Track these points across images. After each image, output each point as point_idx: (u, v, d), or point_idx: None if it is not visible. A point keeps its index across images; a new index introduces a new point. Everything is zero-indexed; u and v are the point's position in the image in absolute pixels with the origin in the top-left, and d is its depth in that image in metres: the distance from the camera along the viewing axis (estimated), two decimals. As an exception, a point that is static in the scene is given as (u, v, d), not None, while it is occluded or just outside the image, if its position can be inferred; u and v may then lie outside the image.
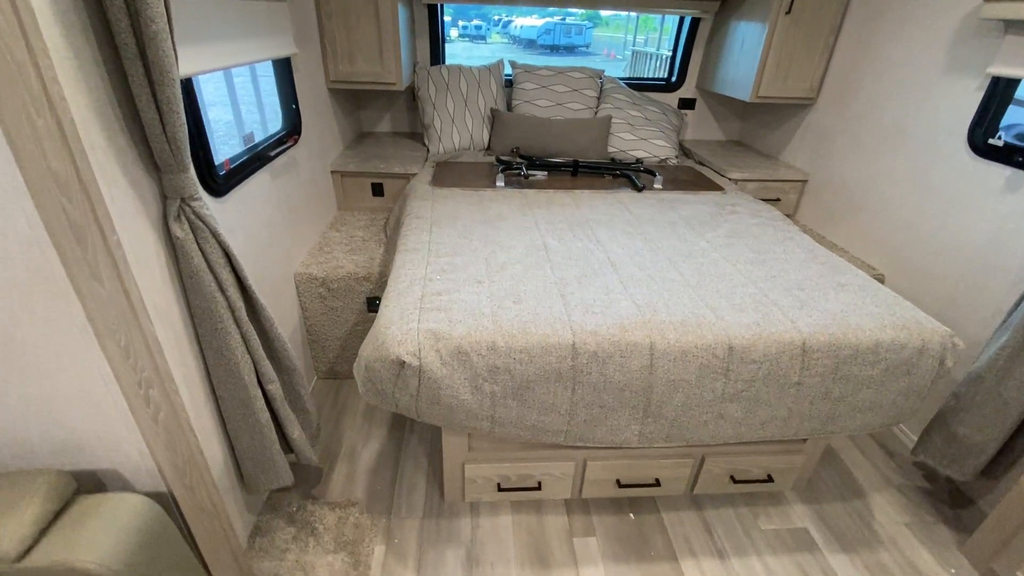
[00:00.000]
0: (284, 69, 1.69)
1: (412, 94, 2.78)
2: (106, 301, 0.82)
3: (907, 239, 1.89)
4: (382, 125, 2.83)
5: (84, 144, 0.80)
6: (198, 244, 1.05)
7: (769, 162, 2.58)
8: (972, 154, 1.66)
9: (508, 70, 2.78)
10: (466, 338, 1.15)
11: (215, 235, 1.07)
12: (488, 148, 2.62)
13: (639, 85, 2.89)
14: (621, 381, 1.19)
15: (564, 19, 18.83)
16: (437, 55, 2.71)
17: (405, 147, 2.55)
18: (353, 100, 2.64)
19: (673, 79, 2.91)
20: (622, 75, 2.77)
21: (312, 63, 1.99)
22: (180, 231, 1.03)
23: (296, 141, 1.72)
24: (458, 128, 2.56)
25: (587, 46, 18.98)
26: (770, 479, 1.56)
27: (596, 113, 2.70)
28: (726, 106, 2.97)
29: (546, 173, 2.33)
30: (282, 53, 1.59)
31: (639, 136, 2.61)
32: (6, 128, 0.67)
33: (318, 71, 2.06)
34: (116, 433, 0.94)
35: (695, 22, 2.72)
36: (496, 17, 21.54)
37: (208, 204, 1.13)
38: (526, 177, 2.12)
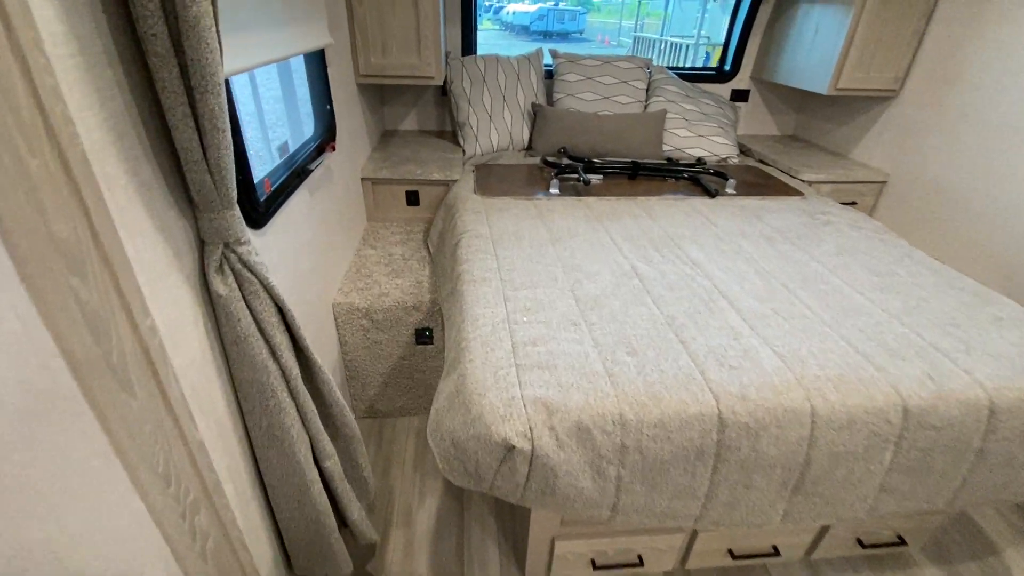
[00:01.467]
0: (318, 63, 1.42)
1: (442, 88, 2.50)
2: (139, 415, 0.57)
3: (1028, 252, 1.66)
4: (407, 122, 2.56)
5: (100, 185, 0.54)
6: (246, 301, 0.80)
7: (839, 160, 2.34)
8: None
9: (547, 59, 2.50)
10: (586, 410, 0.90)
11: (267, 288, 0.81)
12: (529, 147, 2.36)
13: (687, 75, 2.63)
14: (774, 456, 0.96)
15: (557, 4, 18.39)
16: (469, 44, 2.43)
17: (438, 148, 2.28)
18: (378, 95, 2.36)
19: (726, 68, 2.65)
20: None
21: (341, 55, 1.71)
22: (223, 287, 0.77)
23: (334, 148, 1.45)
24: (496, 126, 2.29)
25: (581, 32, 18.58)
26: (902, 541, 1.34)
27: (646, 107, 2.44)
28: (782, 98, 2.72)
29: (602, 177, 2.08)
30: (318, 44, 1.31)
31: (696, 132, 2.36)
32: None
33: (347, 64, 1.78)
34: None
35: (754, 5, 2.45)
36: (488, 3, 21.00)
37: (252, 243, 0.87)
38: (586, 183, 1.87)
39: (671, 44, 9.54)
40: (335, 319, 1.55)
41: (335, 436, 1.09)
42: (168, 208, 0.70)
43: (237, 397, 0.88)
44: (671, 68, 2.59)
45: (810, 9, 2.20)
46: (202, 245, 0.77)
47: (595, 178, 2.05)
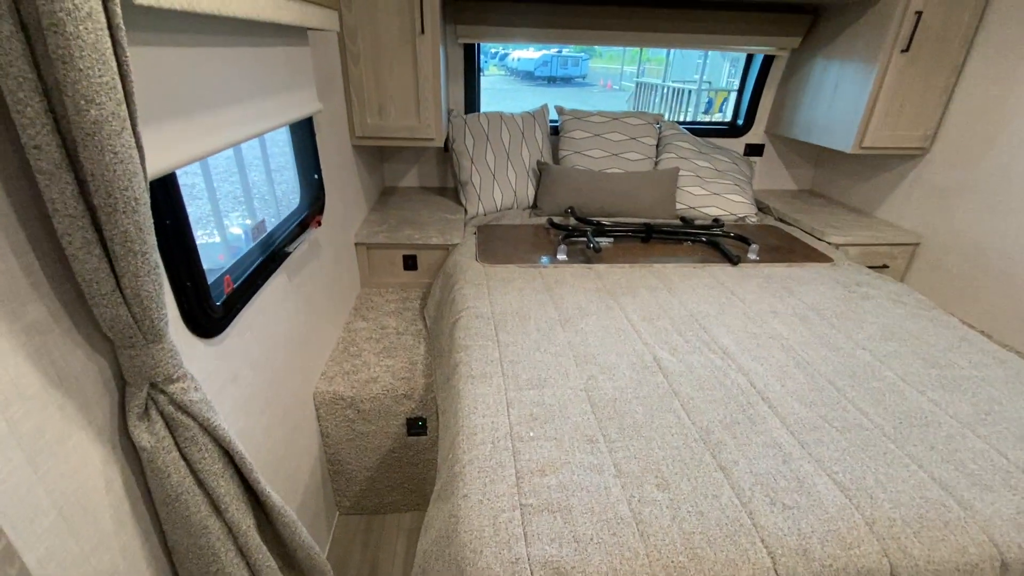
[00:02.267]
0: (305, 131, 1.30)
1: (444, 145, 2.41)
2: None
3: (1096, 331, 1.48)
4: (408, 179, 2.45)
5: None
6: (179, 450, 0.63)
7: (864, 220, 2.19)
8: None
9: (553, 115, 2.42)
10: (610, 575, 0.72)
11: (209, 430, 0.65)
12: (535, 206, 2.23)
13: (699, 131, 2.53)
14: (848, 631, 0.76)
15: (560, 51, 18.97)
16: (473, 100, 2.35)
17: (439, 207, 2.16)
18: (377, 154, 2.26)
19: (739, 122, 2.56)
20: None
21: (335, 116, 1.60)
22: (148, 437, 0.60)
23: (319, 223, 1.31)
24: (500, 184, 2.18)
25: (583, 77, 19.08)
26: None
27: (657, 164, 2.33)
28: (798, 152, 2.60)
29: (612, 240, 1.94)
30: (304, 113, 1.20)
31: (710, 191, 2.23)
32: None
33: (341, 126, 1.68)
34: None
35: (767, 59, 2.37)
36: (493, 50, 21.72)
37: (194, 364, 0.71)
38: (596, 249, 1.72)
39: (673, 89, 9.69)
40: (316, 410, 1.37)
41: (300, 580, 0.90)
42: (74, 349, 0.54)
43: (172, 562, 0.70)
44: (683, 123, 2.50)
45: (827, 64, 2.11)
46: (122, 387, 0.61)
47: (605, 242, 1.91)
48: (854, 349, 1.28)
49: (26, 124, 0.42)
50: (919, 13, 1.74)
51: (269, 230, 1.13)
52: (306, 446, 1.31)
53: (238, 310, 0.90)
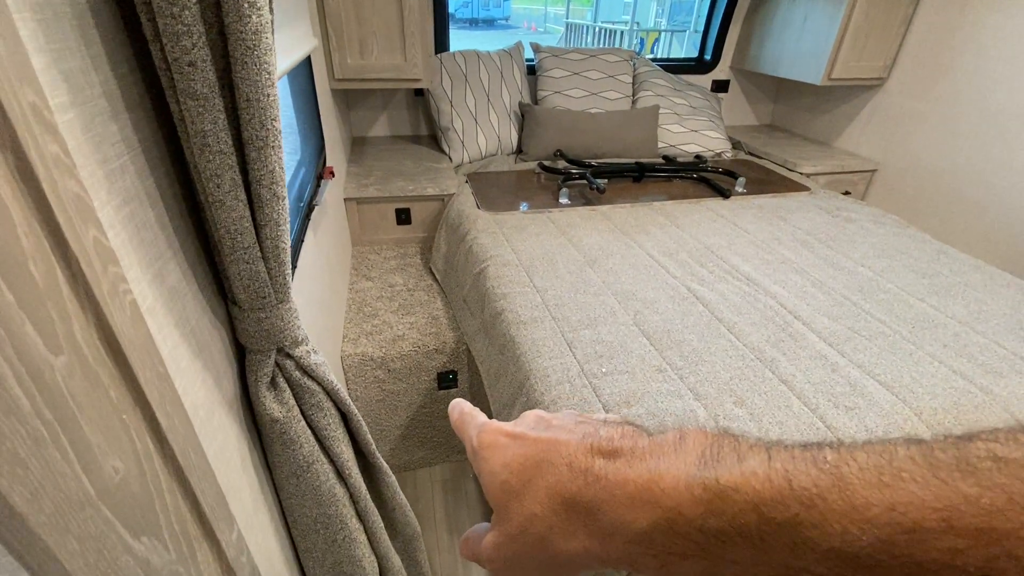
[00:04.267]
0: (304, 71, 1.16)
1: (414, 89, 2.25)
2: None
3: (1033, 237, 1.70)
4: (378, 128, 2.29)
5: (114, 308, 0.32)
6: (306, 420, 0.58)
7: (826, 150, 2.33)
8: None
9: (528, 53, 2.32)
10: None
11: (331, 393, 0.60)
12: (520, 151, 2.17)
13: (669, 67, 2.53)
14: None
15: (481, -9, 18.03)
16: (442, 40, 2.19)
17: (421, 157, 2.04)
18: (344, 100, 2.08)
19: (707, 58, 2.58)
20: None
21: (313, 57, 1.44)
22: (279, 408, 0.55)
23: (332, 173, 1.20)
24: (483, 129, 2.09)
25: (507, 19, 18.37)
26: None
27: (635, 102, 2.32)
28: (760, 87, 2.69)
29: (606, 181, 1.94)
30: (306, 49, 1.06)
31: (689, 128, 2.27)
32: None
33: (320, 68, 1.52)
34: None
35: (734, -7, 2.38)
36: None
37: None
38: (601, 191, 1.72)
39: (606, 31, 9.57)
40: (344, 373, 1.31)
41: (395, 537, 0.88)
42: (201, 315, 0.47)
43: (291, 538, 0.66)
44: (655, 60, 2.48)
45: (796, -3, 2.15)
46: (241, 357, 0.54)
47: (601, 182, 1.90)
48: (855, 267, 1.39)
49: (181, 33, 0.34)
50: (888, -58, 1.80)
51: (299, 180, 1.02)
52: (339, 412, 1.26)
53: (294, 268, 0.82)
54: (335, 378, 0.61)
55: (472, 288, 1.37)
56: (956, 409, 0.92)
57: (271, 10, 0.40)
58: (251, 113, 0.39)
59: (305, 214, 0.95)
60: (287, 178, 0.46)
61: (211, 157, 0.39)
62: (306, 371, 0.57)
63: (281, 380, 0.55)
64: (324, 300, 1.13)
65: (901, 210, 2.11)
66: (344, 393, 0.62)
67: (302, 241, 0.90)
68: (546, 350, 1.02)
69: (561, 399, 0.90)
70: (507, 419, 1.04)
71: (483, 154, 2.10)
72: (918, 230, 1.62)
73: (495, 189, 1.81)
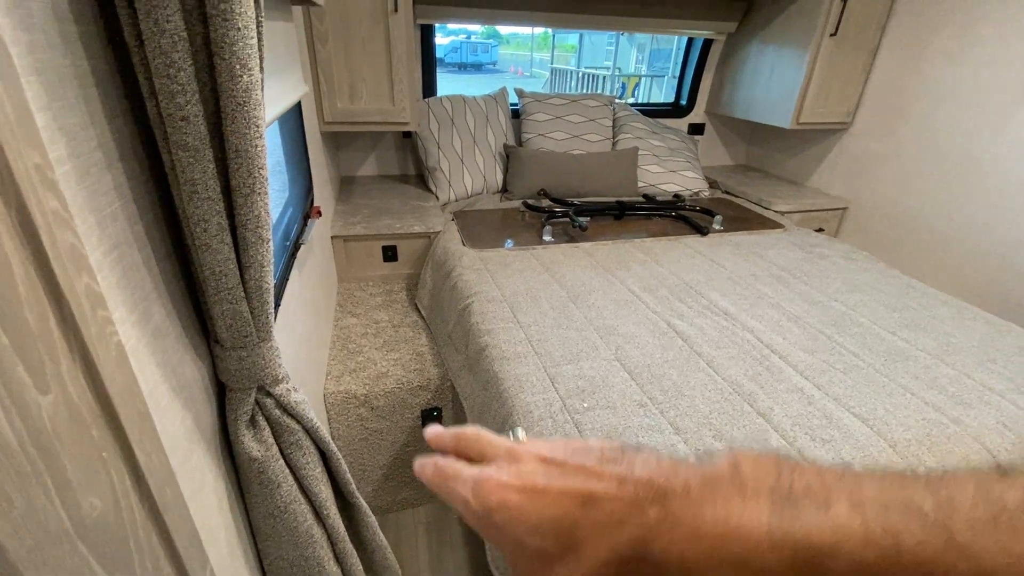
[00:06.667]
0: (294, 115, 1.21)
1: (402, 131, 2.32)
2: None
3: (999, 268, 1.77)
4: (366, 168, 2.34)
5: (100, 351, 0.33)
6: (285, 459, 0.58)
7: (799, 189, 2.43)
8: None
9: (512, 98, 2.42)
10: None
11: (311, 432, 0.61)
12: (505, 190, 2.23)
13: (647, 111, 2.65)
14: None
15: (469, 38, 18.80)
16: (430, 85, 2.29)
17: (408, 196, 2.09)
18: (333, 140, 2.14)
19: (683, 103, 2.71)
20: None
21: (304, 101, 1.49)
22: (257, 447, 0.55)
23: (320, 213, 1.23)
24: (468, 169, 2.15)
25: (493, 63, 19.07)
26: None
27: (615, 144, 2.41)
28: (734, 129, 2.82)
29: (589, 219, 1.99)
30: (298, 94, 1.11)
31: (667, 168, 2.36)
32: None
33: (310, 111, 1.57)
34: None
35: (707, 44, 2.53)
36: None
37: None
38: (583, 228, 1.77)
39: (588, 75, 9.97)
40: (327, 412, 1.30)
41: (374, 582, 0.86)
42: (183, 354, 0.48)
43: (267, 580, 0.65)
44: (633, 105, 2.60)
45: (763, 48, 2.29)
46: (220, 393, 0.55)
47: (584, 220, 1.96)
48: (829, 302, 1.43)
49: (176, 92, 0.37)
50: (844, 1, 1.94)
51: (285, 220, 1.04)
52: (320, 451, 1.24)
53: (277, 307, 0.83)
54: (315, 416, 0.61)
55: (457, 324, 1.38)
56: (929, 440, 0.94)
57: (261, 68, 0.43)
58: (239, 163, 0.42)
59: (291, 252, 0.97)
60: (273, 218, 0.49)
61: (199, 203, 0.41)
62: (286, 409, 0.57)
63: (261, 418, 0.56)
64: (308, 337, 1.13)
65: (872, 246, 2.19)
66: (324, 431, 0.62)
67: (287, 279, 0.91)
68: (529, 385, 1.03)
69: (543, 435, 0.91)
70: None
71: (469, 193, 2.16)
72: (887, 265, 1.68)
73: (480, 226, 1.85)
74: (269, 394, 0.56)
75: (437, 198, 2.10)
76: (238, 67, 0.38)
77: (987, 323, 1.35)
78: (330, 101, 1.64)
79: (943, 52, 1.87)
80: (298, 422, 0.59)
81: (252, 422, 0.56)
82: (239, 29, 0.37)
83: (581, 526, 0.20)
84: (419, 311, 1.69)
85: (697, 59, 2.58)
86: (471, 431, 0.27)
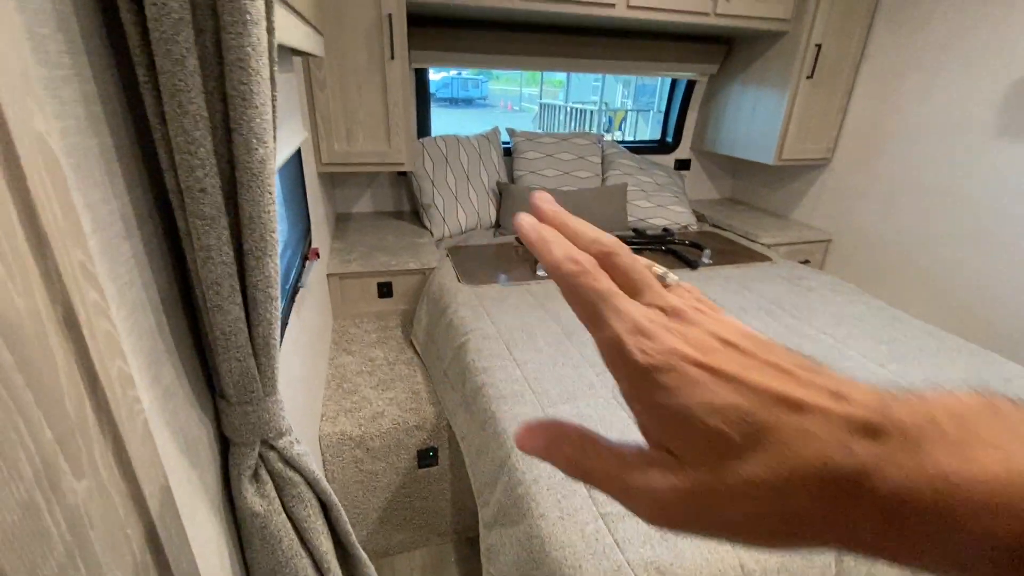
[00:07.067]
0: (294, 159, 1.24)
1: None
2: None
3: (979, 300, 1.82)
4: (361, 204, 2.38)
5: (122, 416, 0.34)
6: (287, 513, 0.58)
7: (783, 222, 2.50)
8: (1048, 217, 1.63)
9: (504, 137, 2.49)
10: (705, 568, 0.76)
11: (312, 484, 0.61)
12: (498, 226, 2.27)
13: (635, 148, 2.74)
14: (891, 578, 0.87)
15: (460, 73, 19.35)
16: (424, 124, 2.35)
17: (403, 232, 2.12)
18: (329, 178, 2.17)
19: (669, 140, 2.80)
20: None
21: (304, 145, 1.53)
22: (260, 501, 0.55)
23: (318, 255, 1.25)
24: (462, 206, 2.19)
25: (484, 98, 19.56)
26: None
27: (604, 180, 2.48)
28: (719, 164, 2.91)
29: (581, 254, 2.02)
30: (299, 140, 1.14)
31: (655, 203, 2.42)
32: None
33: (308, 153, 1.61)
34: None
35: (690, 84, 2.64)
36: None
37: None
38: (575, 265, 1.80)
39: (577, 110, 10.25)
40: (322, 454, 1.29)
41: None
42: (191, 411, 0.49)
43: (265, 639, 0.63)
44: (621, 143, 2.68)
45: (744, 88, 2.39)
46: (224, 448, 0.55)
47: (576, 256, 1.99)
48: (818, 335, 1.46)
49: (196, 166, 0.39)
50: (819, 45, 2.05)
51: (284, 264, 1.05)
52: (315, 495, 1.22)
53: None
54: (316, 467, 0.61)
55: (453, 361, 1.39)
56: (923, 475, 0.95)
57: (275, 138, 0.45)
58: (252, 228, 0.43)
59: (290, 297, 0.98)
60: (283, 260, 0.50)
61: (213, 267, 0.43)
62: (289, 462, 0.58)
63: (264, 473, 0.56)
64: (305, 379, 1.13)
65: (856, 277, 2.24)
66: (325, 483, 0.62)
67: (286, 325, 0.92)
68: (526, 426, 1.03)
69: (543, 478, 0.91)
70: (490, 498, 1.03)
71: (463, 228, 2.19)
72: (872, 297, 1.73)
73: (475, 262, 1.88)
74: (272, 447, 0.56)
75: (432, 234, 2.13)
76: (254, 141, 0.40)
77: (970, 353, 1.38)
78: (328, 143, 1.68)
79: (915, 91, 1.96)
80: (300, 474, 0.59)
81: (255, 476, 0.56)
82: (256, 108, 0.40)
83: (780, 429, 0.17)
84: (414, 347, 1.69)
85: (681, 98, 2.68)
86: (609, 239, 0.22)
